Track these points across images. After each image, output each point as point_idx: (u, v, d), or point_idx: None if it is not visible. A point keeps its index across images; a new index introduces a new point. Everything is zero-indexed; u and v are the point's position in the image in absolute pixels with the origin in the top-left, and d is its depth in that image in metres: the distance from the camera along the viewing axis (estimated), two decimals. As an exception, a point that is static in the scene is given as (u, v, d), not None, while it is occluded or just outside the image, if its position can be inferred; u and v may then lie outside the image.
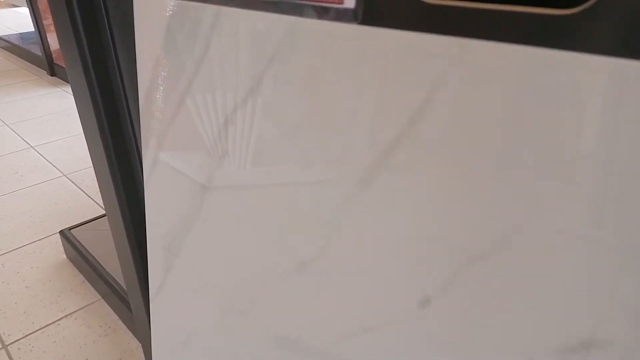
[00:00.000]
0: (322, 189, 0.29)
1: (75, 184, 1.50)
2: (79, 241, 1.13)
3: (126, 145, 0.71)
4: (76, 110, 0.72)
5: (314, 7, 0.27)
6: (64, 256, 1.19)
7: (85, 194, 1.45)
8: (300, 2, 0.28)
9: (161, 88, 0.42)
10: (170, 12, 0.37)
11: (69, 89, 2.51)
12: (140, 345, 0.93)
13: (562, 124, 0.20)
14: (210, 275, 0.43)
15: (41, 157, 1.70)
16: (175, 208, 0.44)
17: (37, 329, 0.96)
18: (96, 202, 1.41)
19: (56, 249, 1.21)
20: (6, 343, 0.93)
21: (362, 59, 0.25)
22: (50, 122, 2.03)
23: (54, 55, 2.72)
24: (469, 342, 0.24)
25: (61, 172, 1.58)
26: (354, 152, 0.27)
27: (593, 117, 0.19)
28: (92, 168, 0.76)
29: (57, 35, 0.59)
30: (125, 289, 0.97)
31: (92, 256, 1.08)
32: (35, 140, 1.83)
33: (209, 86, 0.36)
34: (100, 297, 1.05)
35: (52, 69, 2.72)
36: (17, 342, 0.93)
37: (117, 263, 1.01)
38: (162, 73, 0.41)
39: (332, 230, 0.30)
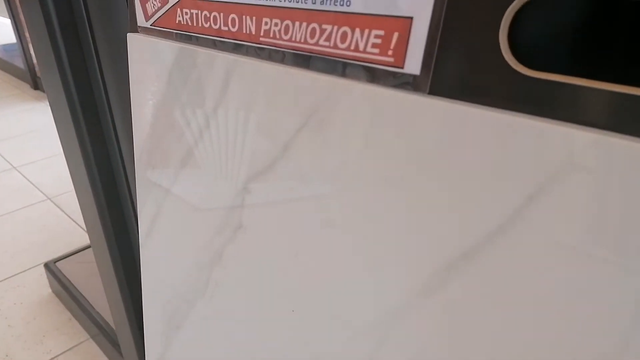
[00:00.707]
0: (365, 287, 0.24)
1: (61, 209, 1.43)
2: (64, 275, 1.06)
3: (116, 185, 0.65)
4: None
5: (363, 67, 0.22)
6: (49, 290, 1.11)
7: (71, 219, 1.38)
8: (344, 59, 0.22)
9: (161, 138, 0.36)
10: (175, 58, 0.31)
11: (53, 103, 2.43)
12: (133, 391, 0.86)
13: None
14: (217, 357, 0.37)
15: (24, 178, 1.62)
16: (177, 279, 0.38)
17: (20, 375, 0.89)
18: (82, 228, 1.33)
19: (41, 282, 1.13)
20: (-14, 393, 0.86)
21: (431, 143, 0.19)
22: (34, 139, 1.95)
23: (37, 68, 2.63)
24: None
25: (46, 196, 1.50)
26: (416, 254, 0.21)
27: None
28: None
29: (41, 73, 0.53)
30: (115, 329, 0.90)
31: (79, 292, 1.00)
32: (17, 160, 1.75)
33: (224, 143, 0.30)
34: (89, 337, 0.98)
35: (36, 83, 2.63)
36: (-3, 392, 0.86)
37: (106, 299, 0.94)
38: (163, 121, 0.35)
39: (379, 335, 0.24)
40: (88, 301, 0.98)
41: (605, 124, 0.16)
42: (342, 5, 0.22)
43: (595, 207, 0.16)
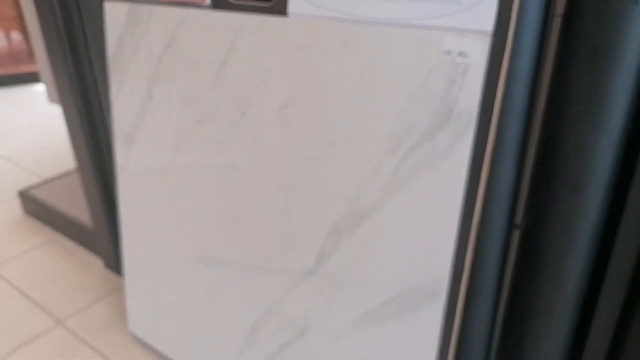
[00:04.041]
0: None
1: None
2: (37, 197, 1.42)
3: (95, 117, 1.05)
4: None
5: (194, 4, 0.68)
6: (22, 212, 1.47)
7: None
8: (187, 3, 0.68)
9: (127, 60, 0.80)
10: (127, 11, 0.76)
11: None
12: (100, 260, 1.26)
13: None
14: (156, 158, 0.81)
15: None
16: (130, 106, 0.81)
17: (11, 257, 1.26)
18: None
19: (13, 209, 1.48)
20: (-10, 266, 1.23)
21: (214, 26, 0.66)
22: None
23: (-30, 62, 2.84)
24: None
25: None
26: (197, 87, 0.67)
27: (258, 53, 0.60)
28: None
29: (43, 35, 0.94)
30: (84, 225, 1.29)
31: (52, 206, 1.38)
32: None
33: (142, 66, 0.75)
34: (60, 234, 1.36)
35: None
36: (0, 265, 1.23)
37: (72, 207, 1.33)
38: (122, 46, 0.79)
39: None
40: (58, 208, 1.36)
41: (252, 11, 0.63)
42: (188, -15, 0.68)
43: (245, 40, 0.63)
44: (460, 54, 0.47)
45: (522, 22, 0.47)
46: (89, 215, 1.22)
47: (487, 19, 0.46)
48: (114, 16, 0.78)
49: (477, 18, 0.46)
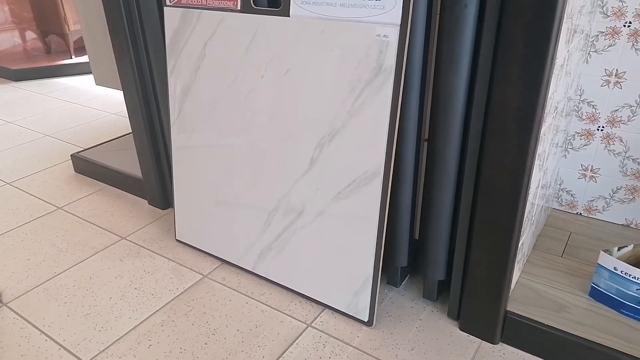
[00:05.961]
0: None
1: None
2: (85, 158, 1.81)
3: (147, 91, 1.45)
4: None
5: (229, 9, 1.09)
6: (73, 172, 1.85)
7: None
8: (224, 8, 1.09)
9: (178, 50, 1.20)
10: (181, 14, 1.16)
11: (9, 86, 3.02)
12: (145, 200, 1.66)
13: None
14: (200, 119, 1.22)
15: None
16: (183, 72, 1.22)
17: (74, 200, 1.65)
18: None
19: (65, 169, 1.87)
20: (60, 206, 1.61)
21: (243, 22, 1.06)
22: None
23: (-7, 57, 3.18)
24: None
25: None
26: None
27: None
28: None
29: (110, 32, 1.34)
30: (127, 175, 1.68)
31: (100, 163, 1.77)
32: None
33: (194, 41, 1.16)
34: (108, 184, 1.75)
35: (-6, 68, 3.18)
36: (67, 206, 1.61)
37: (115, 163, 1.72)
38: (175, 41, 1.19)
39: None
40: (108, 165, 1.75)
41: (266, 13, 1.04)
42: (225, -3, 1.09)
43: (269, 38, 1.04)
44: (385, 35, 0.89)
45: (415, 18, 0.89)
46: (140, 167, 1.60)
47: (396, 17, 0.88)
48: (171, 17, 1.19)
49: (392, 17, 0.88)
